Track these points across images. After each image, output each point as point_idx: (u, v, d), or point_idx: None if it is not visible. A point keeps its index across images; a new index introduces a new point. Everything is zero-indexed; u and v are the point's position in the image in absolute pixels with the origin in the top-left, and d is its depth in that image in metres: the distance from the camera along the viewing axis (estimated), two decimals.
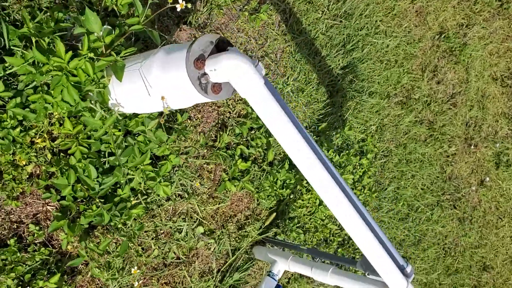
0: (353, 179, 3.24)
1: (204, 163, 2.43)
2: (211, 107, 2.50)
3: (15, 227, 1.87)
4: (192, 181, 2.34)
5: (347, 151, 3.19)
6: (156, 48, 1.68)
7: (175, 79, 1.50)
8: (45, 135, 1.87)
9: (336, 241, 3.16)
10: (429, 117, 3.93)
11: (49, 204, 1.95)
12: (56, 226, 1.85)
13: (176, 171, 2.27)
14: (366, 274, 2.15)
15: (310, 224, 3.01)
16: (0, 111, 1.74)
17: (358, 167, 3.31)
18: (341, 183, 1.81)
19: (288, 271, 2.60)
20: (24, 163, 1.84)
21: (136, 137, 1.91)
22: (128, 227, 2.00)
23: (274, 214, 2.75)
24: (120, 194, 2.00)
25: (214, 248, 2.50)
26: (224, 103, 2.53)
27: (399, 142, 3.67)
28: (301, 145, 1.54)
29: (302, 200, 2.93)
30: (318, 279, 2.35)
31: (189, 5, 1.59)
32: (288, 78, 2.88)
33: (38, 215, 1.92)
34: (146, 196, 2.15)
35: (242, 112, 2.63)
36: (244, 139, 2.62)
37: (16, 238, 1.85)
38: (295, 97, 2.92)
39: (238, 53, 1.43)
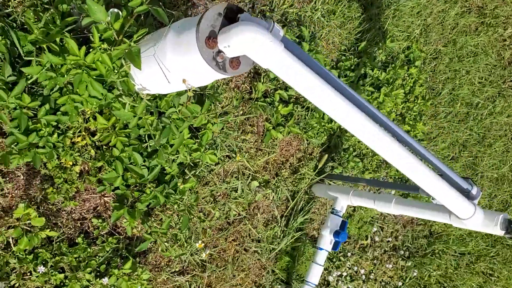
0: (404, 92, 3.07)
1: (245, 118, 2.37)
2: None
3: (79, 224, 1.95)
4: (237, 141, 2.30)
5: (392, 65, 3.00)
6: (166, 26, 1.58)
7: (190, 62, 1.41)
8: (83, 133, 1.87)
9: None
10: (478, 2, 3.57)
11: (105, 195, 2.00)
12: (117, 216, 1.90)
13: (218, 135, 2.24)
14: (431, 199, 2.09)
15: (367, 148, 2.92)
16: (33, 121, 1.75)
17: (408, 78, 3.12)
18: (383, 120, 1.70)
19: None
20: (71, 164, 1.87)
21: (170, 116, 1.87)
22: (185, 200, 2.02)
23: (326, 156, 2.69)
24: (169, 172, 2.01)
25: (273, 197, 2.51)
26: None
27: (447, 39, 3.39)
28: (336, 103, 1.43)
29: None
30: (383, 211, 2.32)
31: None
32: (315, 2, 2.67)
33: (98, 208, 1.98)
34: (195, 167, 2.15)
35: None
36: (281, 82, 2.51)
37: (83, 235, 1.93)
38: (326, 21, 2.72)
39: (250, 23, 1.30)
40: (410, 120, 3.13)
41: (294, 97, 2.56)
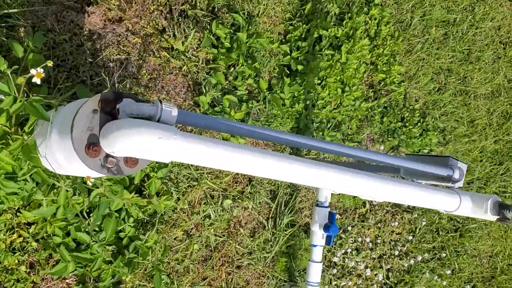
0: (369, 38, 2.75)
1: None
2: (171, 74, 2.11)
3: None
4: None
5: (349, 14, 2.67)
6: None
7: (81, 168, 1.18)
8: (17, 229, 1.70)
9: (377, 114, 2.84)
10: None
11: (66, 279, 1.86)
12: None
13: (171, 171, 2.03)
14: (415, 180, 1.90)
15: (342, 115, 2.68)
16: None
17: (370, 21, 2.79)
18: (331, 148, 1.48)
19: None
20: (15, 264, 1.71)
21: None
22: (150, 259, 1.87)
23: None
24: (124, 236, 1.85)
25: (252, 206, 2.34)
26: (183, 60, 2.12)
27: None
28: (250, 160, 1.19)
29: (322, 99, 2.58)
30: (367, 198, 2.14)
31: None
32: None
33: None
34: (154, 216, 1.97)
35: (209, 57, 2.21)
36: (227, 83, 2.24)
37: None
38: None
39: (131, 123, 1.05)
40: (383, 67, 2.85)
41: (246, 93, 2.30)
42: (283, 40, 2.50)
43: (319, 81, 2.56)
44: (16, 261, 1.71)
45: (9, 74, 1.28)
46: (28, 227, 1.73)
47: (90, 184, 1.39)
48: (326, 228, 2.26)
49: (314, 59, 2.50)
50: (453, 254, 3.17)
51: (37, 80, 1.19)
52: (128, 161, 1.17)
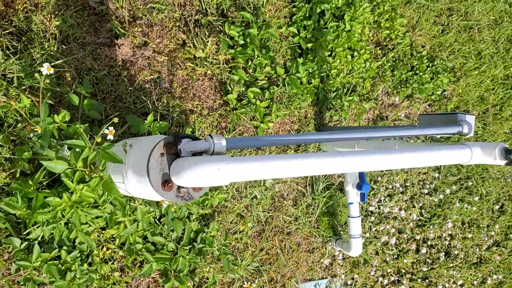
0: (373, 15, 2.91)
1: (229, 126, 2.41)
2: (199, 81, 2.36)
3: None
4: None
5: None
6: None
7: (160, 198, 1.47)
8: (104, 244, 2.03)
9: (387, 69, 3.03)
10: None
11: (151, 275, 2.21)
12: (169, 287, 2.13)
13: None
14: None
15: (356, 79, 2.89)
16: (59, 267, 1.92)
17: None
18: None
19: None
20: (110, 271, 2.07)
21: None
22: (216, 245, 2.20)
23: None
24: (191, 230, 2.17)
25: (289, 179, 2.63)
26: (207, 66, 2.35)
27: None
28: (302, 164, 1.46)
29: (335, 68, 2.78)
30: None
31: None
32: None
33: (150, 286, 2.21)
34: (214, 210, 2.28)
35: (228, 57, 2.44)
36: (248, 77, 2.47)
37: None
38: None
39: (191, 161, 1.32)
40: (386, 23, 3.01)
41: (266, 81, 2.53)
42: (289, 22, 2.69)
43: (329, 53, 2.76)
44: (110, 269, 2.05)
45: (82, 131, 1.56)
46: (113, 240, 2.06)
47: (164, 206, 1.68)
48: (358, 186, 2.55)
49: (321, 35, 2.69)
50: (478, 181, 3.43)
51: (110, 137, 1.46)
52: (195, 189, 1.45)
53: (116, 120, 1.55)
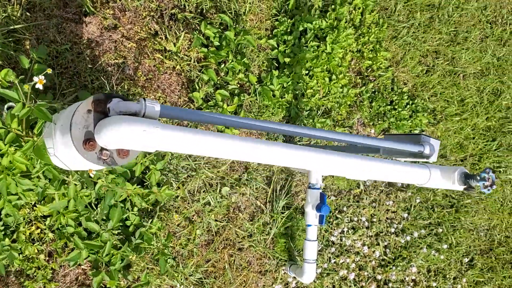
0: (354, 27, 2.90)
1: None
2: (166, 74, 2.29)
3: None
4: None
5: (332, 6, 2.81)
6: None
7: (82, 160, 1.37)
8: (34, 222, 1.90)
9: (365, 99, 2.98)
10: None
11: (81, 265, 2.06)
12: (98, 282, 1.97)
13: (169, 163, 2.22)
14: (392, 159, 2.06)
15: (332, 102, 2.84)
16: None
17: (354, 11, 2.94)
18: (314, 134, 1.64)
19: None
20: (35, 253, 1.92)
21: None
22: (155, 244, 2.06)
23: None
24: (131, 224, 2.04)
25: (249, 192, 2.52)
26: (176, 60, 2.30)
27: None
28: (236, 147, 1.37)
29: (311, 88, 2.73)
30: (353, 178, 2.30)
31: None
32: None
33: (79, 278, 2.06)
34: (156, 205, 2.16)
35: (200, 56, 2.39)
36: (219, 79, 2.41)
37: None
38: None
39: (118, 119, 1.23)
40: (369, 54, 2.99)
41: (237, 87, 2.47)
42: (270, 35, 2.66)
43: (307, 72, 2.72)
44: (36, 251, 1.91)
45: (17, 84, 1.47)
46: (44, 219, 1.93)
47: (92, 176, 1.57)
48: (318, 208, 2.43)
49: (301, 51, 2.66)
50: (449, 229, 3.31)
51: (39, 86, 1.37)
52: (120, 153, 1.35)
53: (50, 71, 1.47)
